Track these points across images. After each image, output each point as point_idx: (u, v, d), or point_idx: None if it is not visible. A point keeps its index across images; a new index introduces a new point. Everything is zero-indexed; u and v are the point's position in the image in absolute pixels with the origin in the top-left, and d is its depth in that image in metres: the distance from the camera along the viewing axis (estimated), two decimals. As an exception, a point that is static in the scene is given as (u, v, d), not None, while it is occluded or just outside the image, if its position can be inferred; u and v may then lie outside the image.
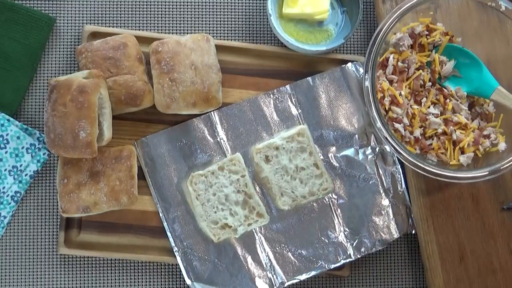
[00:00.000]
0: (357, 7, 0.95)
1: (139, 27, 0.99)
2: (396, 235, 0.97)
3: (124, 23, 0.99)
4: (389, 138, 0.90)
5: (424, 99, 0.95)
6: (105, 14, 0.98)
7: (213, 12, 1.00)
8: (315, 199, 0.96)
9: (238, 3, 1.00)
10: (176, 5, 0.99)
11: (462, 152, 0.94)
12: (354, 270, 1.00)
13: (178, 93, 0.91)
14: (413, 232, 0.97)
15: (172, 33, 0.99)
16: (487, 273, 0.96)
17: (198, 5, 1.00)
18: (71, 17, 0.98)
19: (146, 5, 0.99)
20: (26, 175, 0.94)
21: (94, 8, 0.98)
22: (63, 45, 0.98)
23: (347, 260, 0.95)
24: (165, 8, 0.99)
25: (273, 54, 0.98)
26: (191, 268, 0.94)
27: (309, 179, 0.95)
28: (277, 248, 0.95)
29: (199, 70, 0.91)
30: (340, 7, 0.99)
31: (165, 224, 0.95)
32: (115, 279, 0.96)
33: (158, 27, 0.99)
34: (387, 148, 0.96)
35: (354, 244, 0.96)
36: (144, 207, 0.96)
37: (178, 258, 0.94)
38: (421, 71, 0.95)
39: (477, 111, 0.97)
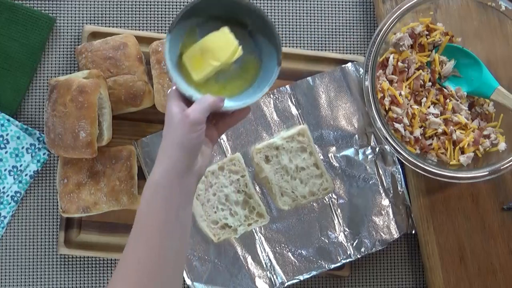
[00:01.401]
0: (258, 18, 0.78)
1: (139, 27, 0.99)
2: (396, 235, 0.97)
3: (124, 23, 0.99)
4: (389, 138, 0.90)
5: (424, 99, 0.95)
6: (105, 14, 0.98)
7: (213, 12, 1.00)
8: (315, 199, 0.96)
9: (238, 3, 1.00)
10: (176, 5, 0.99)
11: (462, 152, 0.94)
12: (354, 270, 1.00)
13: (178, 93, 0.91)
14: (413, 232, 0.97)
15: (172, 33, 0.99)
16: (487, 273, 0.96)
17: (198, 5, 1.00)
18: (71, 17, 0.98)
19: (146, 5, 0.99)
20: (26, 175, 0.94)
21: (94, 8, 0.98)
22: (63, 45, 0.98)
23: (347, 260, 0.95)
24: (165, 8, 0.99)
25: (273, 54, 0.98)
26: (191, 268, 0.94)
27: (309, 179, 0.95)
28: (277, 248, 0.95)
29: (199, 70, 0.91)
30: (245, 31, 0.80)
31: (165, 224, 0.94)
32: (115, 279, 0.96)
33: (158, 27, 0.99)
34: (387, 148, 0.96)
35: (354, 244, 0.96)
36: (144, 207, 0.95)
37: (178, 258, 0.94)
38: (421, 71, 0.95)
39: (477, 111, 0.97)
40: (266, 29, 0.77)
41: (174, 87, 0.74)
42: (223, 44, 0.77)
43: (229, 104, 0.75)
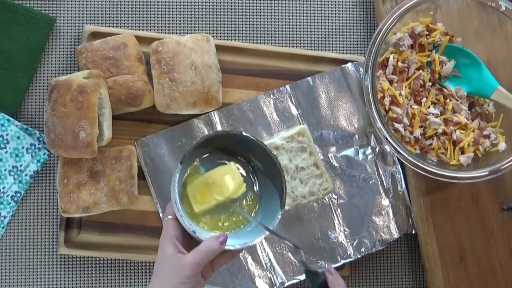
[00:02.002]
0: (267, 157, 0.79)
1: (139, 27, 0.99)
2: (396, 235, 0.97)
3: (124, 23, 0.99)
4: (389, 138, 0.90)
5: (424, 99, 0.95)
6: (105, 14, 0.98)
7: (213, 12, 1.00)
8: (315, 199, 0.96)
9: (238, 3, 1.00)
10: (176, 5, 0.99)
11: (462, 152, 0.94)
12: (354, 270, 0.99)
13: (178, 93, 0.91)
14: (413, 232, 0.97)
15: (172, 33, 0.99)
16: (487, 273, 0.96)
17: (198, 5, 1.00)
18: (71, 17, 0.98)
19: (146, 5, 0.99)
20: (26, 175, 0.94)
21: (94, 8, 0.98)
22: (63, 45, 0.98)
23: (347, 260, 0.95)
24: (165, 8, 0.99)
25: (273, 54, 0.98)
26: (191, 268, 0.94)
27: (309, 179, 0.95)
28: (277, 248, 0.95)
29: (199, 70, 0.91)
30: (247, 166, 0.84)
31: (165, 224, 0.94)
32: (115, 279, 0.96)
33: (158, 27, 0.99)
34: (387, 148, 0.96)
35: (354, 244, 0.96)
36: (144, 207, 0.96)
37: (178, 258, 0.94)
38: (421, 71, 0.95)
39: (477, 111, 0.97)
40: (273, 170, 0.79)
41: (170, 216, 0.74)
42: (229, 179, 0.79)
43: (230, 243, 0.75)
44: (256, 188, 0.83)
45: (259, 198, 0.82)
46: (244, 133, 0.78)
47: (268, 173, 0.81)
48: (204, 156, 0.82)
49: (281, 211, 0.77)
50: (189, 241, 0.75)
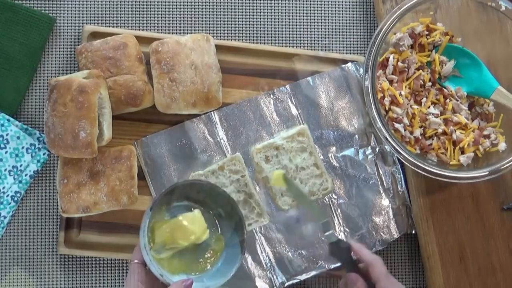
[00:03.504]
0: (231, 208, 0.87)
1: (139, 27, 0.99)
2: (396, 235, 0.97)
3: (124, 23, 0.99)
4: (389, 138, 0.90)
5: (424, 99, 0.95)
6: (105, 14, 0.98)
7: (213, 12, 1.00)
8: (315, 199, 0.96)
9: (238, 3, 1.00)
10: (176, 5, 0.99)
11: (462, 152, 0.94)
12: (354, 270, 1.00)
13: (178, 93, 0.91)
14: (413, 232, 0.97)
15: (172, 33, 0.99)
16: (487, 273, 0.96)
17: (198, 5, 1.00)
18: (71, 17, 0.98)
19: (146, 5, 0.99)
20: (26, 175, 0.94)
21: (94, 8, 0.98)
22: (63, 45, 0.98)
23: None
24: (165, 8, 0.99)
25: (273, 54, 0.98)
26: (191, 268, 0.94)
27: (309, 179, 0.95)
28: (277, 248, 0.95)
29: (199, 70, 0.92)
30: (210, 214, 0.90)
31: (165, 224, 0.95)
32: (115, 279, 0.96)
33: (158, 27, 0.99)
34: (387, 148, 0.96)
35: (354, 244, 0.96)
36: (144, 207, 0.95)
37: (178, 258, 0.94)
38: (421, 71, 0.95)
39: (477, 111, 0.97)
40: (234, 217, 0.86)
41: (136, 261, 0.79)
42: (193, 226, 0.84)
43: (194, 285, 0.79)
44: (218, 233, 0.89)
45: (222, 242, 0.88)
46: (205, 181, 0.84)
47: (230, 220, 0.88)
48: (170, 203, 0.88)
49: (241, 256, 0.83)
50: (153, 285, 0.79)
